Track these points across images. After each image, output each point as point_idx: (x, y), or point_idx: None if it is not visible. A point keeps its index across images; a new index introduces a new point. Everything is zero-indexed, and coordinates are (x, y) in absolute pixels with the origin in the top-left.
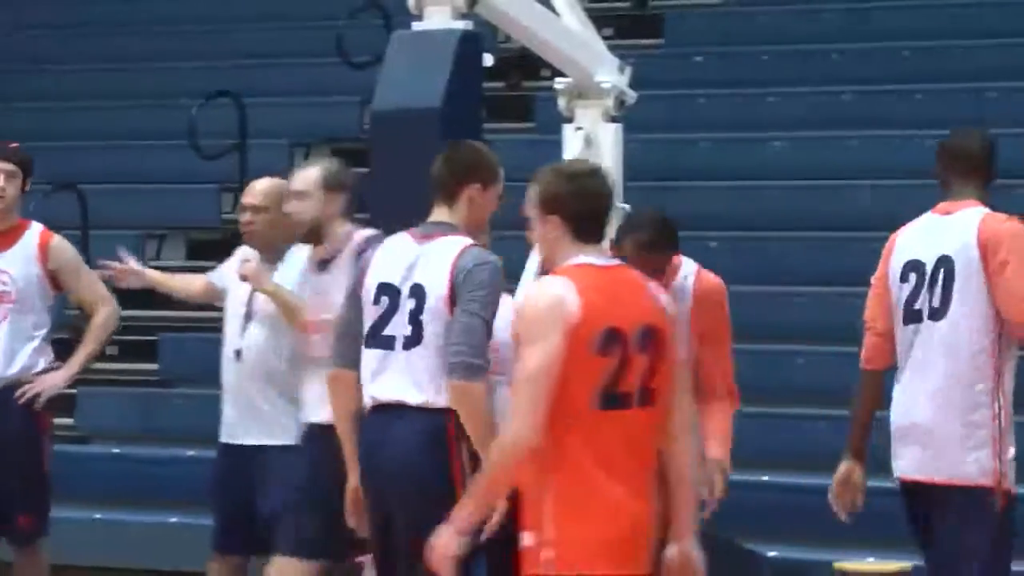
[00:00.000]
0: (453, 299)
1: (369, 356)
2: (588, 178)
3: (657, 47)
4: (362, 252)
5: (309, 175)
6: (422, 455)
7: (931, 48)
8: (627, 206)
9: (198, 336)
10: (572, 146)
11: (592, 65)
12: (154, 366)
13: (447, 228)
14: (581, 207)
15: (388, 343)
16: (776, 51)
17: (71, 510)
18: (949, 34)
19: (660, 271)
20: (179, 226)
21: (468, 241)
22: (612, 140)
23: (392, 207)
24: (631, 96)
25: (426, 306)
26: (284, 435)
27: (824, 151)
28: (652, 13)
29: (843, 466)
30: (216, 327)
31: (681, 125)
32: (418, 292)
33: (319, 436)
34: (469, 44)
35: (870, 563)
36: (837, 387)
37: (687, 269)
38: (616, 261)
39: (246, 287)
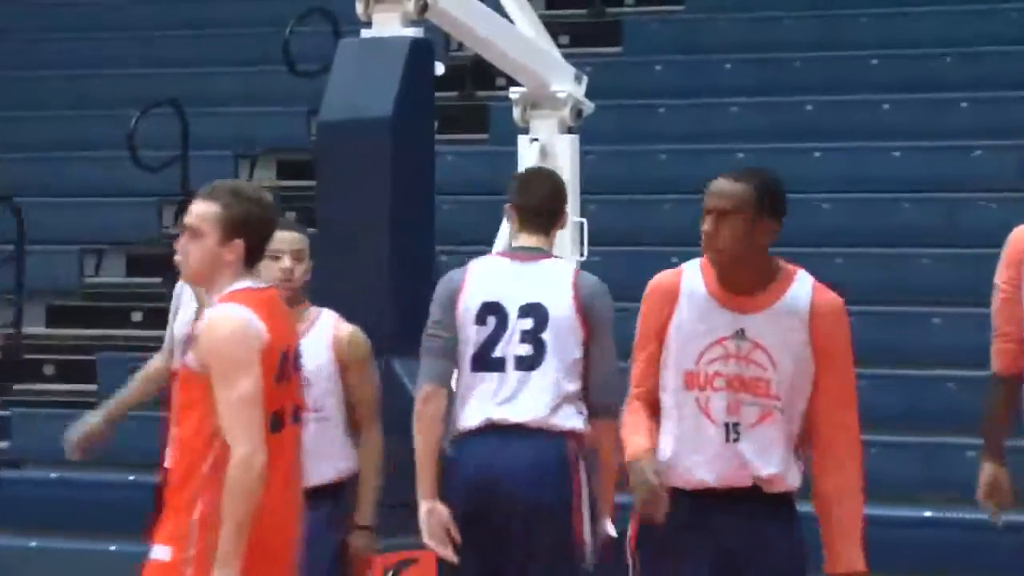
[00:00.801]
0: (585, 322)
1: (477, 378)
2: (270, 203)
3: (615, 55)
4: None
5: None
6: (546, 477)
7: (897, 57)
8: (583, 220)
9: (138, 356)
10: (528, 157)
11: (547, 74)
12: (92, 387)
13: (542, 253)
14: (264, 232)
15: (499, 365)
16: (737, 59)
17: (6, 537)
18: (916, 43)
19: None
20: (119, 241)
21: (572, 263)
22: (569, 151)
23: (339, 220)
24: (588, 106)
25: (549, 325)
26: None
27: (787, 162)
28: (610, 20)
29: (990, 469)
30: (157, 347)
31: (640, 136)
32: (536, 312)
33: None
34: (420, 52)
35: None
36: None
37: (803, 280)
38: (264, 284)
39: (191, 309)
